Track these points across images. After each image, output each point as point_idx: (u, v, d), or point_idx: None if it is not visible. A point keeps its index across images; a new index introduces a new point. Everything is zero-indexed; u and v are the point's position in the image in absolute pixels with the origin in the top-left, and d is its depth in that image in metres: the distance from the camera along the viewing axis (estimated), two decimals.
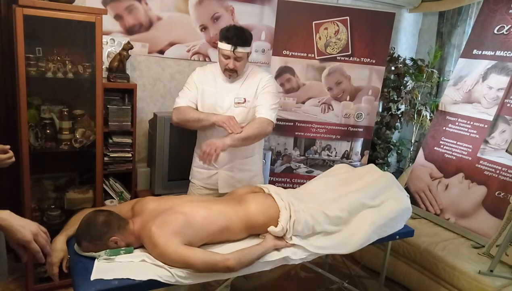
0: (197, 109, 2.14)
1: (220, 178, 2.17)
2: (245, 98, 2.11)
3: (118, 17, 2.76)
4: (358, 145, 3.33)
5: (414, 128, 3.86)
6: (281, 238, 1.80)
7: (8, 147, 1.56)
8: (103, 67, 2.51)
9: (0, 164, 1.53)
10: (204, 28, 3.06)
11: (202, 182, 2.22)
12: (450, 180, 2.99)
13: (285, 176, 3.30)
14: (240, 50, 1.99)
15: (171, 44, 2.98)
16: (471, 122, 2.99)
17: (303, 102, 3.19)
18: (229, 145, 1.94)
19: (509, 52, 2.89)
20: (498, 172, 2.74)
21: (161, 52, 2.96)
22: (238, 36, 1.98)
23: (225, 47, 1.99)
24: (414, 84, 3.79)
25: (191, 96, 2.13)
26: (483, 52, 3.05)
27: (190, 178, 2.30)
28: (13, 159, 1.57)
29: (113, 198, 2.60)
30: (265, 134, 2.10)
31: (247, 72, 2.15)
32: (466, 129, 3.00)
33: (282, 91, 3.14)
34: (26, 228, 1.20)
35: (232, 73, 2.07)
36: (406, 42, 4.20)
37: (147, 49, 2.90)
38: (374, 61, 3.16)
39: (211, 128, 2.09)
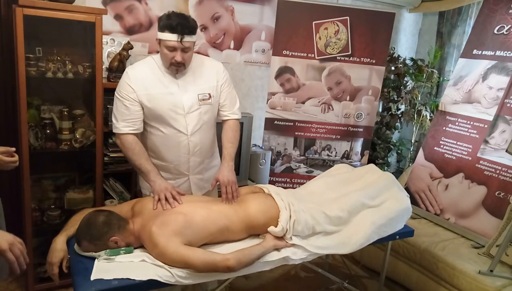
0: (143, 122, 1.89)
1: (192, 183, 2.03)
2: (209, 94, 1.92)
3: (118, 17, 2.76)
4: (358, 145, 3.33)
5: (414, 128, 3.86)
6: (281, 238, 1.80)
7: (13, 149, 1.55)
8: (103, 67, 2.51)
9: (4, 167, 1.53)
10: (204, 28, 3.06)
11: None
12: (450, 180, 2.99)
13: (285, 176, 3.30)
14: (188, 39, 1.75)
15: None
16: (471, 122, 2.99)
17: (303, 102, 3.19)
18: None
19: (509, 52, 2.89)
20: (498, 172, 2.74)
21: None
22: (183, 24, 1.73)
23: (170, 37, 1.73)
24: (414, 84, 3.79)
25: (131, 114, 1.83)
26: (483, 52, 3.05)
27: (149, 193, 1.96)
28: (17, 163, 1.56)
29: (113, 198, 2.59)
30: None
31: (192, 63, 1.92)
32: (466, 129, 3.00)
33: (282, 91, 3.14)
34: (1, 238, 1.20)
35: (179, 67, 1.82)
36: (406, 42, 4.20)
37: (147, 49, 2.90)
38: (374, 61, 3.16)
39: (171, 137, 1.90)
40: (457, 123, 3.08)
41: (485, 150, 2.85)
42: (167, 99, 1.85)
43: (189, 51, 1.80)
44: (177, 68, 1.83)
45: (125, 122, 1.84)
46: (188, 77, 1.90)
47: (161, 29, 1.76)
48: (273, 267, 1.74)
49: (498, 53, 2.95)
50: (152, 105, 1.84)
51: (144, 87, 1.83)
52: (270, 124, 3.19)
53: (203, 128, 1.95)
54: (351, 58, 3.14)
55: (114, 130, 1.87)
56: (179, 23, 1.72)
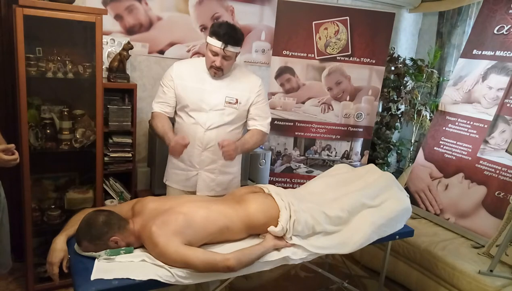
0: (175, 109, 2.09)
1: (200, 179, 2.10)
2: (237, 99, 2.04)
3: (118, 17, 2.76)
4: (358, 145, 3.33)
5: (414, 128, 3.86)
6: (281, 238, 1.80)
7: (13, 146, 1.56)
8: (103, 67, 2.51)
9: (5, 165, 1.54)
10: (204, 28, 3.06)
11: (179, 184, 2.14)
12: (450, 180, 2.99)
13: (285, 176, 3.30)
14: (231, 49, 1.91)
15: (171, 44, 2.98)
16: (471, 122, 2.99)
17: (303, 102, 3.19)
18: (238, 152, 1.99)
19: (509, 52, 2.89)
20: (498, 172, 2.75)
21: (161, 52, 2.96)
22: (230, 34, 1.89)
23: (215, 43, 1.90)
24: (414, 84, 3.79)
25: (166, 98, 2.06)
26: (483, 52, 3.05)
27: (165, 181, 2.21)
28: (18, 160, 1.58)
29: (113, 198, 2.60)
30: (261, 145, 2.21)
31: (233, 71, 2.08)
32: (466, 129, 3.01)
33: (282, 91, 3.14)
34: None
35: (217, 72, 1.98)
36: (406, 42, 4.20)
37: (147, 49, 2.91)
38: (374, 61, 3.16)
39: (190, 127, 2.04)
40: (457, 123, 3.08)
41: (485, 150, 2.85)
42: (197, 93, 2.02)
43: (229, 60, 1.97)
44: (215, 71, 1.99)
45: (159, 104, 2.07)
46: (224, 80, 2.05)
47: (210, 34, 1.93)
48: (273, 267, 1.74)
49: (498, 53, 2.96)
50: (183, 94, 2.03)
51: (182, 78, 2.04)
52: (270, 124, 3.18)
53: (222, 128, 2.05)
54: (351, 58, 3.14)
55: (151, 111, 2.09)
56: (226, 33, 1.89)
